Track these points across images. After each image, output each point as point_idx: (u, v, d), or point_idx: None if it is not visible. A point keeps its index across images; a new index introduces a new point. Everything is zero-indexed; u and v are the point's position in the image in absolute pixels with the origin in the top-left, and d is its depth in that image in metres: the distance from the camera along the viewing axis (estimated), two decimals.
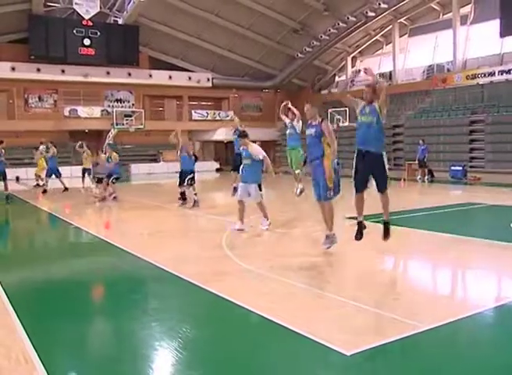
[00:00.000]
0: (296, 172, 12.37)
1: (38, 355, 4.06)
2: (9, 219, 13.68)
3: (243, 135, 10.13)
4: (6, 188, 16.33)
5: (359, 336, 4.34)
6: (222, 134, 35.48)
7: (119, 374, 3.90)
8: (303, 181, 12.04)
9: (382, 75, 36.55)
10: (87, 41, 33.00)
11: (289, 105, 12.14)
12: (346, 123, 28.58)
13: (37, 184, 21.79)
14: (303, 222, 11.02)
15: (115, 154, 16.15)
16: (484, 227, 10.69)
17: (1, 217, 14.00)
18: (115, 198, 15.69)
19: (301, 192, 12.16)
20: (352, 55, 39.22)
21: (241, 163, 10.42)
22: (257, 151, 9.89)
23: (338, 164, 7.85)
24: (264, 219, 9.96)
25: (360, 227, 7.64)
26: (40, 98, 33.93)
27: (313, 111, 8.26)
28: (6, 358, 4.04)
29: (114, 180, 15.82)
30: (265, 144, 39.79)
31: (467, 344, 4.41)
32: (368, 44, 38.42)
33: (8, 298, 5.61)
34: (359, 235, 7.60)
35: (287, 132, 12.47)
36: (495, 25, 29.15)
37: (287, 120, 12.27)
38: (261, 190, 9.93)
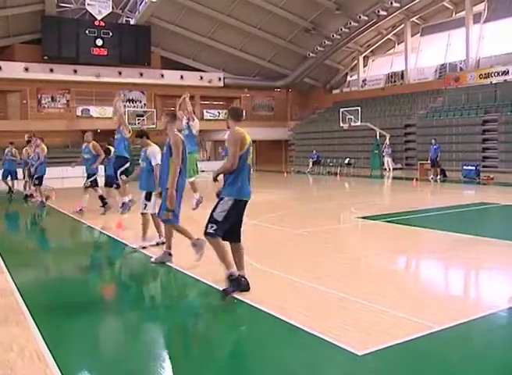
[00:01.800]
0: (191, 180, 10.25)
1: (51, 352, 4.09)
2: (20, 218, 13.79)
3: (141, 135, 8.24)
4: (13, 186, 17.23)
5: (370, 336, 4.32)
6: None
7: (129, 372, 3.92)
8: (199, 191, 10.64)
9: (394, 74, 36.45)
10: (99, 42, 33.25)
11: (187, 99, 10.38)
12: (358, 123, 28.51)
13: None
14: (306, 221, 11.01)
15: (43, 146, 14.49)
16: (497, 227, 10.60)
17: (14, 216, 14.13)
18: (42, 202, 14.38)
19: (198, 204, 10.52)
20: (364, 55, 39.15)
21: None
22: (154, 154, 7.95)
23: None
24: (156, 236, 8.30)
25: (239, 282, 5.62)
26: (52, 98, 34.20)
27: (164, 120, 6.93)
28: (20, 356, 4.06)
29: (36, 181, 14.45)
30: (277, 144, 40.15)
31: (480, 345, 4.37)
32: (379, 43, 38.34)
33: (21, 295, 5.66)
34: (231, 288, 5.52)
35: (184, 134, 9.94)
36: (508, 23, 28.97)
37: (184, 119, 10.33)
38: (149, 200, 7.96)
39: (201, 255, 6.57)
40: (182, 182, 6.74)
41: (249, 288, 5.61)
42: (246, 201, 5.70)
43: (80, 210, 11.95)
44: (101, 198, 12.51)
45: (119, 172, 11.15)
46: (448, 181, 21.40)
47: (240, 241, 5.75)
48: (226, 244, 5.65)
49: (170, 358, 4.16)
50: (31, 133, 16.69)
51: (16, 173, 18.02)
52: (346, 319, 4.77)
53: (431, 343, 4.21)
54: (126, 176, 10.92)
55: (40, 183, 14.51)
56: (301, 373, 3.81)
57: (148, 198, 7.95)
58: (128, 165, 11.08)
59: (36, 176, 14.43)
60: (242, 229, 5.75)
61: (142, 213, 8.11)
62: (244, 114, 6.10)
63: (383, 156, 28.35)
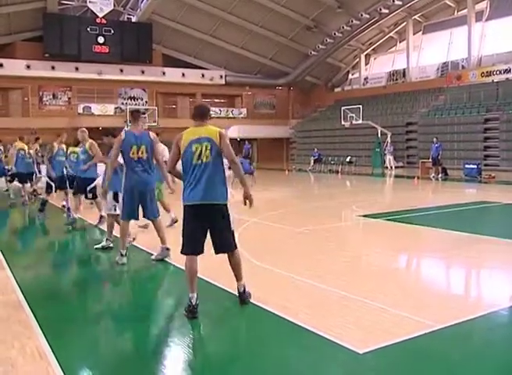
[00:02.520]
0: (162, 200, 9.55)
1: (52, 349, 4.10)
2: (20, 216, 13.80)
3: (106, 133, 8.13)
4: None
5: (372, 334, 4.32)
6: (235, 132, 35.54)
7: (130, 369, 3.92)
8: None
9: (395, 72, 36.39)
10: (100, 39, 33.25)
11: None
12: (360, 121, 28.49)
13: None
14: (307, 219, 11.01)
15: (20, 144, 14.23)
16: (498, 226, 10.58)
17: (15, 214, 14.15)
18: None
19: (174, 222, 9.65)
20: (365, 53, 39.10)
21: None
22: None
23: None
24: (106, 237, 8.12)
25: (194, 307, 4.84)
26: (54, 95, 34.20)
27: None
28: (21, 353, 4.07)
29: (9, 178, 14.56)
30: (279, 142, 40.13)
31: (481, 343, 4.37)
32: (381, 41, 38.29)
33: (23, 293, 5.66)
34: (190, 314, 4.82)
35: None
36: (511, 21, 28.91)
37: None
38: (117, 201, 7.45)
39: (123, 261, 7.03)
40: (128, 183, 6.83)
41: (246, 303, 5.18)
42: (199, 205, 4.85)
43: (68, 209, 11.87)
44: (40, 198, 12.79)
45: (88, 189, 10.22)
46: (449, 180, 21.38)
47: (227, 251, 5.15)
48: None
49: (172, 357, 4.16)
50: (34, 132, 16.77)
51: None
52: (348, 317, 4.77)
53: (432, 341, 4.21)
54: (94, 194, 10.26)
55: (11, 181, 14.64)
56: (303, 371, 3.81)
57: (116, 198, 7.53)
58: (95, 183, 10.29)
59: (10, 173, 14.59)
60: (235, 234, 5.25)
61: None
62: (204, 112, 5.17)
63: (385, 154, 28.32)
